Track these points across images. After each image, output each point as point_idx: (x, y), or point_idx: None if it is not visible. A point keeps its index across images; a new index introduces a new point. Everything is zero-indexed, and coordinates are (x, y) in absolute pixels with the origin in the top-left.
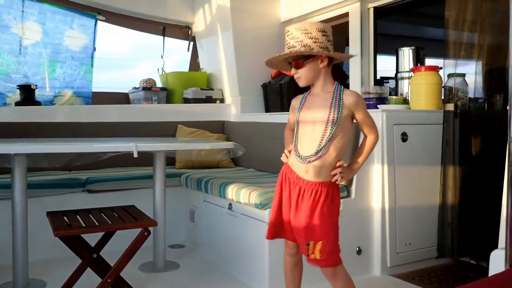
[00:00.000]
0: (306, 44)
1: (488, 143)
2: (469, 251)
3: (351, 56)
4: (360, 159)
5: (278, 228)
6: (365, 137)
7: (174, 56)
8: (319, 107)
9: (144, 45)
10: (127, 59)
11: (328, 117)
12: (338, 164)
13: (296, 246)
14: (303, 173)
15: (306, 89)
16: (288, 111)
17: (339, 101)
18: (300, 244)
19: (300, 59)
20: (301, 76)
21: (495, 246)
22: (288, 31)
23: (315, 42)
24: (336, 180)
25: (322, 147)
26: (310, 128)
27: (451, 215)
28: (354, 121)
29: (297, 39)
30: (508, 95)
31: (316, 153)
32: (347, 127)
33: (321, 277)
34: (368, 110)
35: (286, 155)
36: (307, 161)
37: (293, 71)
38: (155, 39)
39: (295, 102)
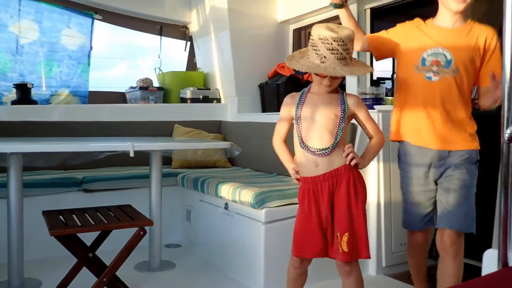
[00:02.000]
0: (351, 56)
1: (483, 144)
2: (465, 251)
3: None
4: (369, 155)
5: (304, 247)
6: (371, 138)
7: (171, 55)
8: (327, 105)
9: (121, 44)
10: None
11: (338, 114)
12: (347, 146)
13: (301, 260)
14: (314, 170)
15: (299, 88)
16: None
17: (344, 101)
18: (331, 241)
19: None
20: (335, 84)
21: (489, 246)
22: (340, 38)
23: (351, 52)
24: (349, 160)
25: (333, 144)
26: (316, 123)
27: None
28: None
29: (348, 50)
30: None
31: (328, 148)
32: (346, 128)
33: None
34: None
35: (297, 172)
36: (321, 155)
37: (326, 81)
38: (131, 38)
39: (292, 99)
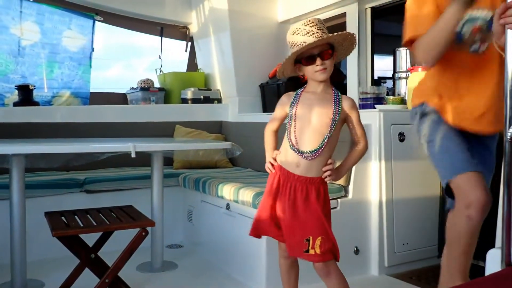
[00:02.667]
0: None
1: None
2: None
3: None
4: (349, 164)
5: (264, 225)
6: (354, 143)
7: (168, 56)
8: (321, 106)
9: (117, 45)
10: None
11: (330, 117)
12: (329, 161)
13: (286, 249)
14: (294, 168)
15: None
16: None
17: (339, 103)
18: (295, 242)
19: (330, 49)
20: (328, 66)
21: (492, 245)
22: (312, 22)
23: (327, 33)
24: (326, 177)
25: (322, 145)
26: (309, 124)
27: None
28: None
29: (322, 29)
30: (504, 95)
31: (316, 150)
32: (338, 133)
33: (318, 277)
34: (365, 110)
35: (272, 164)
36: (307, 158)
37: (319, 62)
38: (127, 38)
39: (287, 98)
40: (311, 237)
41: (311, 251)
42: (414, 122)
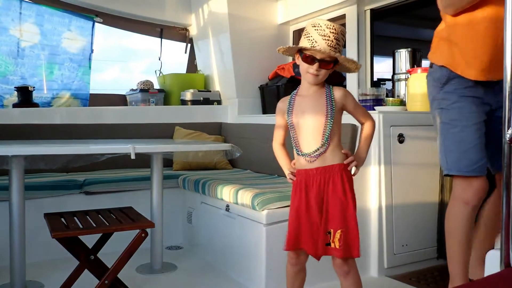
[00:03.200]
0: (340, 49)
1: None
2: None
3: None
4: (365, 147)
5: (298, 238)
6: (362, 125)
7: (169, 57)
8: (315, 107)
9: (114, 46)
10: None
11: (325, 113)
12: (344, 151)
13: (297, 255)
14: (308, 164)
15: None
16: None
17: (331, 96)
18: (320, 238)
19: (332, 63)
20: (321, 75)
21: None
22: (332, 27)
23: (341, 47)
24: (350, 166)
25: (324, 143)
26: (308, 127)
27: None
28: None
29: (339, 41)
30: (503, 97)
31: (318, 149)
32: (340, 121)
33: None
34: None
35: (292, 173)
36: (313, 159)
37: (315, 67)
38: (124, 40)
39: (283, 104)
40: (331, 230)
41: (332, 245)
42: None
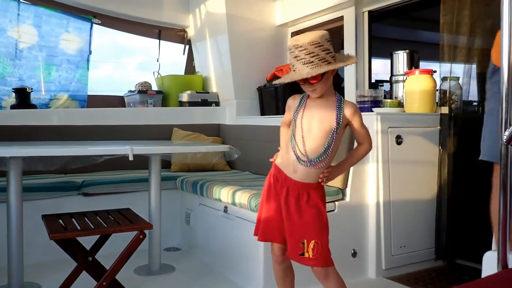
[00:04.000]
0: (323, 58)
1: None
2: (465, 253)
3: (355, 61)
4: (348, 164)
5: (269, 230)
6: (358, 144)
7: (165, 58)
8: (323, 114)
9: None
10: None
11: (331, 125)
12: (326, 170)
13: (281, 252)
14: (291, 173)
15: (300, 92)
16: (284, 114)
17: (340, 111)
18: (292, 243)
19: (319, 74)
20: (318, 88)
21: (489, 248)
22: (299, 45)
23: (328, 53)
24: (322, 181)
25: (324, 154)
26: (311, 132)
27: (447, 218)
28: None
29: (313, 54)
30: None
31: (318, 158)
32: (341, 137)
33: (315, 280)
34: (363, 113)
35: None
36: (307, 165)
37: (308, 87)
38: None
39: (293, 101)
40: (305, 240)
41: (306, 254)
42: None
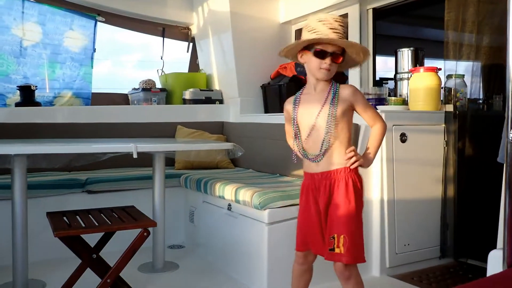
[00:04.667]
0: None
1: (487, 144)
2: (470, 252)
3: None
4: (372, 148)
5: (306, 240)
6: (371, 128)
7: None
8: (319, 105)
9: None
10: None
11: (328, 112)
12: (348, 150)
13: (304, 255)
14: (315, 167)
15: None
16: None
17: (335, 96)
18: (326, 240)
19: (342, 55)
20: (332, 70)
21: (494, 246)
22: (341, 21)
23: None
24: (351, 163)
25: (327, 143)
26: (311, 126)
27: (452, 216)
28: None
29: (346, 34)
30: (506, 96)
31: (321, 149)
32: (347, 120)
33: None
34: None
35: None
36: (317, 160)
37: (328, 62)
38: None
39: (289, 105)
40: (335, 235)
41: (336, 250)
42: None
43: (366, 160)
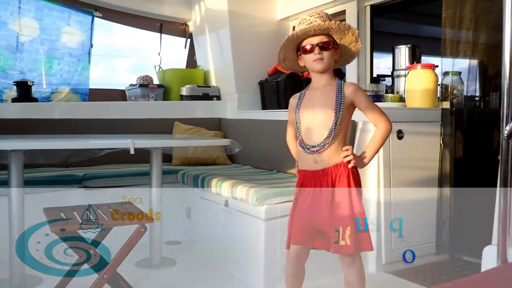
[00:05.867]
0: (337, 27)
1: (483, 141)
2: (465, 248)
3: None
4: (369, 150)
5: (305, 235)
6: (375, 127)
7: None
8: (324, 100)
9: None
10: None
11: (333, 107)
12: (345, 148)
13: (296, 256)
14: (313, 165)
15: (301, 87)
16: (285, 108)
17: (341, 92)
18: (329, 234)
19: (331, 40)
20: (325, 58)
21: (488, 242)
22: (317, 13)
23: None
24: (348, 161)
25: (330, 137)
26: (314, 120)
27: (448, 212)
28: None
29: (327, 21)
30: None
31: (324, 142)
32: (348, 118)
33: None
34: None
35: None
36: (316, 152)
37: (317, 51)
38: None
39: (294, 100)
40: (340, 228)
41: (341, 242)
42: None
43: (360, 163)
